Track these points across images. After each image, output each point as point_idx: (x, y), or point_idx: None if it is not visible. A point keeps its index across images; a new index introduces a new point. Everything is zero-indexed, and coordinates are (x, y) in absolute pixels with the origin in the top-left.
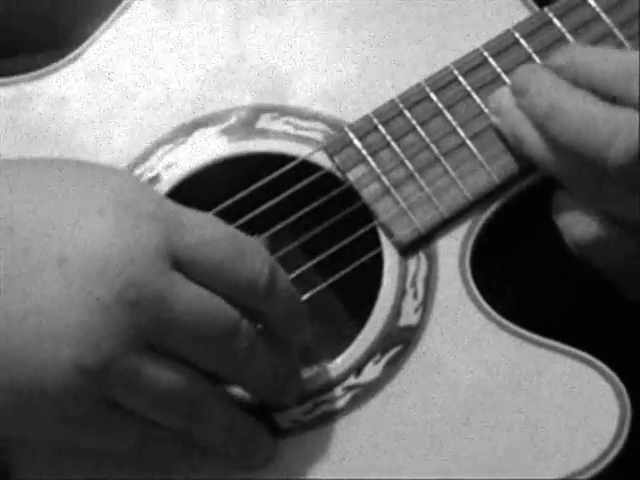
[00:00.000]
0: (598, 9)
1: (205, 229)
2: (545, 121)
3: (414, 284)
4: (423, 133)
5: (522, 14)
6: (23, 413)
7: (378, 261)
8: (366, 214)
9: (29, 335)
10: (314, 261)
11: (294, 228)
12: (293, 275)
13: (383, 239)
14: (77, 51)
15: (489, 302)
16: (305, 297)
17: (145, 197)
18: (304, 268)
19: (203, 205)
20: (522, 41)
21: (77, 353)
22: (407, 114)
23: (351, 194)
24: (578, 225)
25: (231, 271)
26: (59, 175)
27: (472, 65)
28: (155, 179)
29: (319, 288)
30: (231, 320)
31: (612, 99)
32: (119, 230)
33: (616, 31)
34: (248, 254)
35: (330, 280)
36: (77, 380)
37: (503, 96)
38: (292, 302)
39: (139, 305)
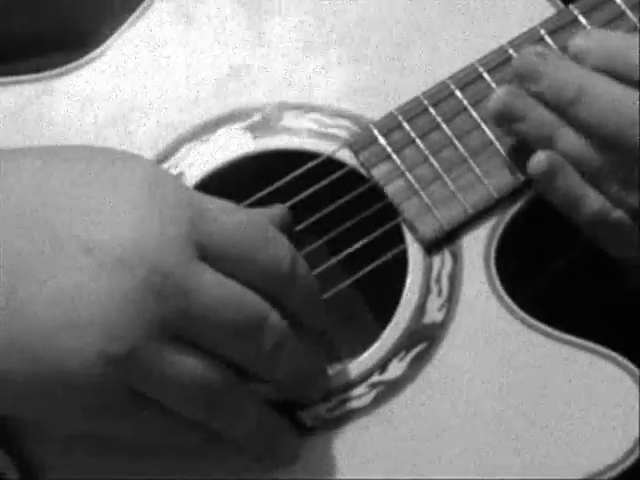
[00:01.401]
0: (623, 6)
1: (228, 217)
2: (571, 106)
3: (439, 281)
4: (448, 130)
5: (548, 11)
6: (48, 401)
7: (400, 260)
8: (390, 211)
9: (54, 322)
10: (337, 258)
11: (318, 225)
12: (316, 272)
13: (407, 236)
14: (100, 49)
15: (513, 298)
16: (328, 294)
17: (172, 186)
18: (327, 265)
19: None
20: (547, 38)
21: (101, 341)
22: (432, 111)
23: (375, 191)
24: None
25: (254, 259)
26: (87, 162)
27: (497, 62)
28: (179, 176)
29: (342, 285)
30: (259, 311)
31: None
32: (145, 218)
33: None
34: (271, 241)
35: (353, 277)
36: (101, 368)
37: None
38: (311, 290)
39: (163, 293)
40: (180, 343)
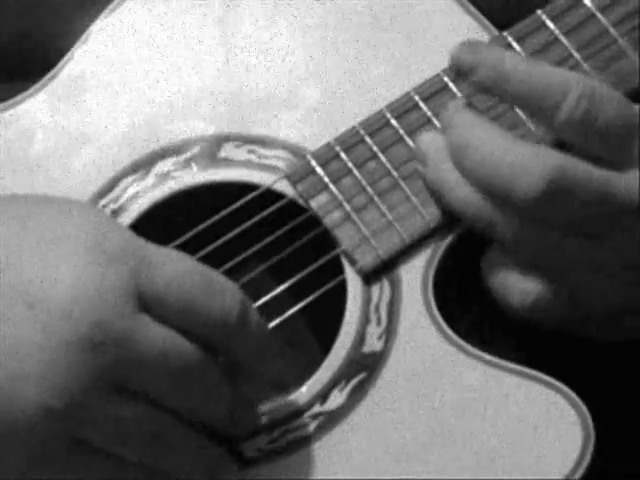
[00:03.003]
0: (557, 32)
1: (173, 267)
2: (456, 158)
3: (377, 310)
4: (384, 159)
5: (483, 39)
6: None
7: (342, 288)
8: (330, 241)
9: None
10: (278, 290)
11: (259, 257)
12: (258, 303)
13: (346, 266)
14: (40, 82)
15: (452, 325)
16: (271, 325)
17: (112, 235)
18: (269, 297)
19: (167, 235)
20: None
21: (43, 395)
22: (368, 141)
23: (315, 222)
24: (514, 290)
25: (201, 309)
26: (31, 215)
27: (433, 90)
28: (119, 210)
29: (284, 316)
30: (196, 362)
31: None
32: (85, 272)
33: (575, 53)
34: (218, 291)
35: (295, 308)
36: (44, 422)
37: (424, 141)
38: (262, 337)
39: (104, 346)
40: (120, 394)
